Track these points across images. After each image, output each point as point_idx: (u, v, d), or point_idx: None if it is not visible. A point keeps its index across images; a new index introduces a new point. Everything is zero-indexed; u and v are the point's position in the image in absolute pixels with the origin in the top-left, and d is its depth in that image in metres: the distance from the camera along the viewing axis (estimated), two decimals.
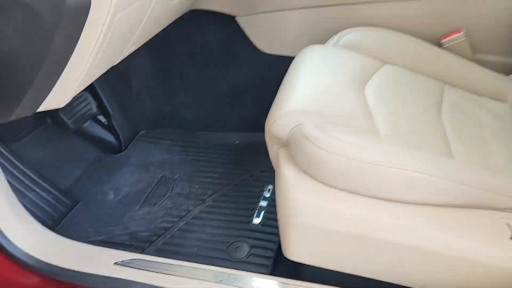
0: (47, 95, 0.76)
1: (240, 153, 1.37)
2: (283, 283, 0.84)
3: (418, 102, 0.99)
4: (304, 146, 0.78)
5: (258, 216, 1.13)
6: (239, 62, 1.38)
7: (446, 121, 0.95)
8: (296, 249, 0.82)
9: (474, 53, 1.21)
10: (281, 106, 0.87)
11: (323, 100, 0.88)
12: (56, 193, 1.18)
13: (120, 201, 1.23)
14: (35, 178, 1.17)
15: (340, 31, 1.18)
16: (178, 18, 1.21)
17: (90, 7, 0.65)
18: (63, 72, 0.73)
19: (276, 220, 0.87)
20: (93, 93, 1.39)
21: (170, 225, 1.12)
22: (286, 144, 0.86)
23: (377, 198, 0.76)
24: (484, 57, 1.20)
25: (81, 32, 0.67)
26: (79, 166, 1.36)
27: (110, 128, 1.43)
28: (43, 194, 1.15)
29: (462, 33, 1.17)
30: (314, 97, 0.89)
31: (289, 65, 1.04)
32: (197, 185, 1.25)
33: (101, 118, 1.43)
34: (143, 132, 1.50)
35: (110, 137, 1.44)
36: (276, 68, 1.15)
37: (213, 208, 1.17)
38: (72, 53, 0.70)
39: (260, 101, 1.18)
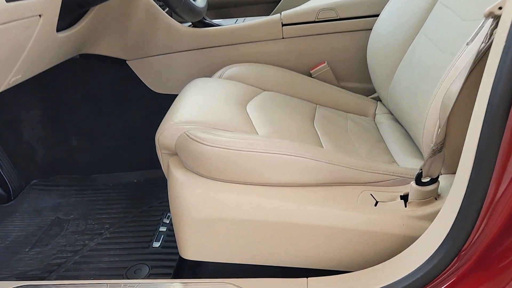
0: None
1: (139, 190, 1.38)
2: (182, 283, 0.84)
3: (293, 116, 1.12)
4: (190, 147, 0.85)
5: (157, 240, 1.13)
6: (132, 103, 1.45)
7: (318, 128, 1.09)
8: (191, 247, 0.85)
9: (339, 81, 1.41)
10: (168, 120, 0.95)
11: (205, 113, 0.97)
12: None
13: (7, 247, 1.15)
14: None
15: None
16: (67, 63, 1.25)
17: None
18: None
19: (175, 241, 0.90)
20: None
21: (64, 260, 1.08)
22: (175, 153, 0.93)
23: (256, 184, 0.83)
24: (347, 84, 1.41)
25: None
26: None
27: None
28: None
29: (325, 64, 1.37)
30: (196, 111, 0.97)
31: None
32: (93, 222, 1.23)
33: None
34: (35, 181, 1.45)
35: None
36: (168, 106, 1.23)
37: (111, 239, 1.15)
38: None
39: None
